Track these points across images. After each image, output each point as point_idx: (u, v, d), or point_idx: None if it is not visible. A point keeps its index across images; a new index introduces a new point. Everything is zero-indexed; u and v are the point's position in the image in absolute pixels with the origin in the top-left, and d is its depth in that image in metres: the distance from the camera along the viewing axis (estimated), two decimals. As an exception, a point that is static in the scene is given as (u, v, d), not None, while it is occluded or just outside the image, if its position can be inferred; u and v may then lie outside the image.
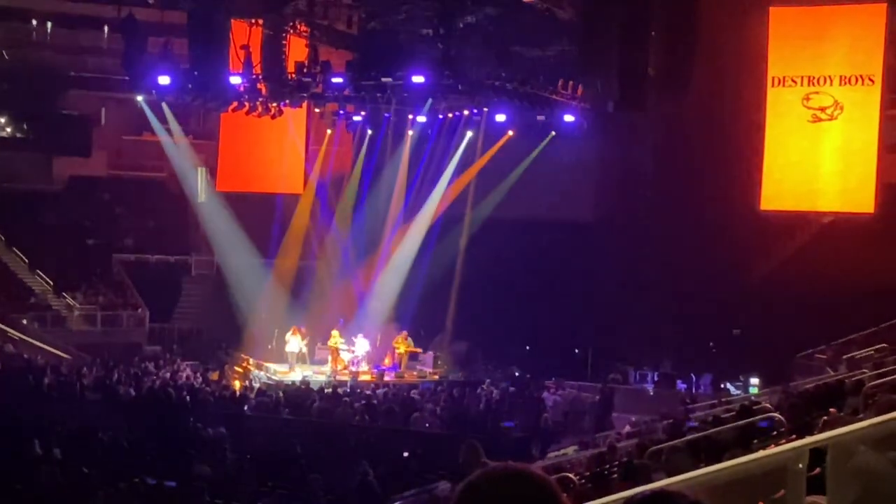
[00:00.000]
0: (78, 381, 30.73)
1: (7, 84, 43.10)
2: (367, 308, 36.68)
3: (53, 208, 42.05)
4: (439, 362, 34.25)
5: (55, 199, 42.96)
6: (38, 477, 19.31)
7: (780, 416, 11.80)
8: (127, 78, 30.79)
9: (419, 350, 33.83)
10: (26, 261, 40.73)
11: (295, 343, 33.36)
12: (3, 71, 43.04)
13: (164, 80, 29.40)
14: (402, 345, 33.27)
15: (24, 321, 37.66)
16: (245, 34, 29.05)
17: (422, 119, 34.23)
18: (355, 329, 34.29)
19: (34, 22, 44.23)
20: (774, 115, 33.27)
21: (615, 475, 11.35)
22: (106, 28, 42.59)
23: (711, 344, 32.95)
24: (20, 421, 24.65)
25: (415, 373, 33.13)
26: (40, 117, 43.37)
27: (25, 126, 44.58)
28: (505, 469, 2.93)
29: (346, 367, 32.46)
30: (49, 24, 44.42)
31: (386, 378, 32.02)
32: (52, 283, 40.40)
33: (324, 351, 34.17)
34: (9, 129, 44.87)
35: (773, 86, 33.15)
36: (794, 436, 9.29)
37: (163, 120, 38.95)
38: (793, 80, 32.90)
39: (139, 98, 35.64)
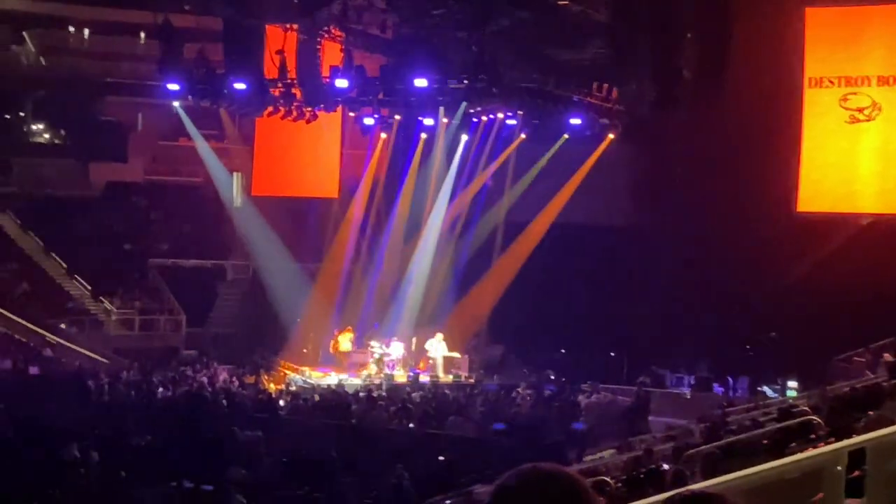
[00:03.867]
0: (116, 385, 30.99)
1: (44, 91, 43.56)
2: (402, 311, 36.71)
3: (90, 214, 42.40)
4: (474, 366, 34.24)
5: (92, 204, 43.31)
6: (75, 480, 19.47)
7: (818, 419, 11.68)
8: (163, 84, 30.98)
9: (456, 355, 33.79)
10: (64, 266, 41.08)
11: (347, 343, 33.75)
12: (41, 78, 43.47)
13: (199, 85, 29.60)
14: (440, 346, 33.24)
15: (63, 326, 37.98)
16: (280, 39, 29.17)
17: (456, 122, 34.26)
18: (390, 332, 34.37)
19: (71, 29, 44.66)
20: (811, 116, 32.97)
21: (648, 478, 11.29)
22: (142, 34, 42.94)
23: (748, 347, 32.70)
24: (58, 424, 24.87)
25: (450, 376, 33.12)
26: (77, 124, 43.78)
27: (63, 132, 45.02)
28: (537, 470, 2.94)
29: (381, 371, 32.53)
30: (86, 31, 44.83)
31: (421, 381, 32.03)
32: (89, 287, 40.73)
33: (361, 354, 34.29)
34: (46, 136, 45.32)
35: (809, 86, 32.85)
36: (832, 439, 9.20)
37: (198, 125, 39.19)
38: (830, 81, 32.60)
39: (175, 104, 35.87)
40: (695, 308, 32.52)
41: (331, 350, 34.59)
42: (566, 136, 33.65)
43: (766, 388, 29.76)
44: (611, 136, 32.86)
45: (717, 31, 28.04)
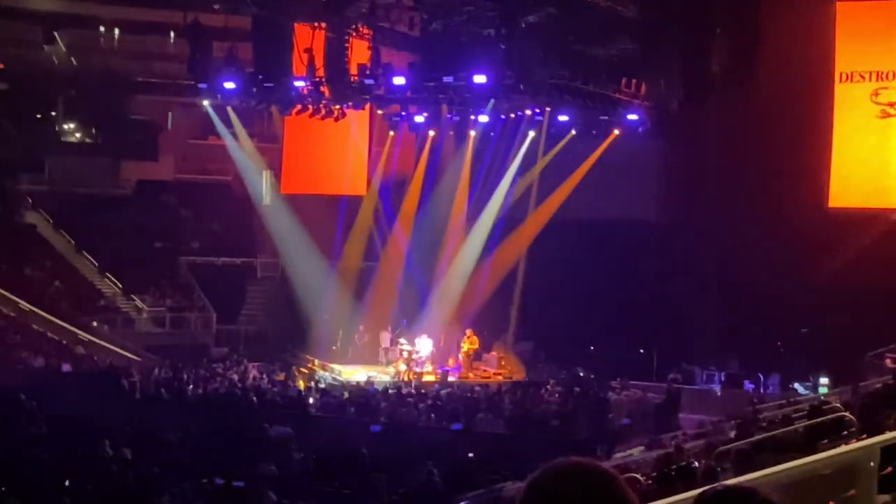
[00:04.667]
0: (148, 382, 31.21)
1: (75, 90, 43.86)
2: (430, 309, 36.74)
3: (122, 212, 42.67)
4: (503, 363, 34.23)
5: (123, 202, 43.60)
6: (108, 477, 19.60)
7: (850, 416, 11.62)
8: (193, 82, 31.13)
9: (475, 345, 33.91)
10: (96, 264, 41.36)
11: (385, 341, 34.05)
12: (72, 77, 43.80)
13: (229, 84, 29.74)
14: (467, 342, 33.33)
15: (94, 323, 38.24)
16: (308, 37, 29.26)
17: (484, 119, 34.18)
18: (418, 330, 34.43)
19: (102, 28, 44.95)
20: (842, 111, 32.74)
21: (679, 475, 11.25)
22: (172, 33, 43.13)
23: (779, 343, 32.52)
24: (90, 421, 25.05)
25: (479, 373, 33.16)
26: (108, 122, 44.10)
27: (94, 131, 45.33)
28: (570, 464, 2.95)
29: (409, 368, 32.60)
30: (116, 31, 45.11)
31: (450, 378, 32.07)
32: (120, 285, 41.00)
33: (392, 351, 34.41)
34: (78, 135, 45.64)
35: (840, 81, 32.62)
36: (864, 435, 9.16)
37: (228, 124, 39.35)
38: (861, 76, 32.37)
39: (205, 102, 36.01)
40: (725, 304, 32.38)
41: (357, 342, 35.05)
42: (594, 131, 33.56)
43: (797, 385, 29.58)
44: (639, 131, 32.74)
45: (746, 26, 27.94)
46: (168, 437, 24.01)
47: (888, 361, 21.88)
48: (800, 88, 32.66)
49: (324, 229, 39.20)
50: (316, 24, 29.58)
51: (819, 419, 12.32)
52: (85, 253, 41.55)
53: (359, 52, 29.62)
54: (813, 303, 31.42)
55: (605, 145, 34.58)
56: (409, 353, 32.89)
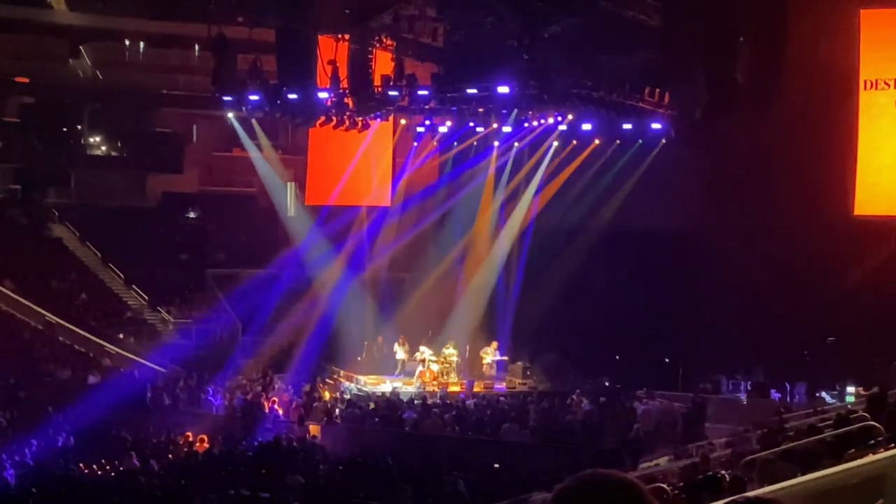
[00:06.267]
0: (174, 394, 31.35)
1: (101, 103, 44.18)
2: (455, 319, 36.72)
3: (147, 224, 42.87)
4: (529, 373, 34.17)
5: (149, 215, 43.83)
6: (135, 488, 19.70)
7: (877, 425, 11.55)
8: (217, 95, 31.28)
9: (506, 358, 33.84)
10: (122, 276, 41.57)
11: (402, 353, 34.02)
12: (97, 91, 44.13)
13: (253, 96, 29.86)
14: (489, 355, 33.33)
15: (121, 335, 38.41)
16: (332, 49, 29.36)
17: (507, 129, 34.22)
18: (444, 340, 34.42)
19: (127, 42, 45.26)
20: (867, 119, 32.60)
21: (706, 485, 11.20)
22: (196, 47, 43.37)
23: (806, 352, 32.34)
24: (118, 433, 25.19)
25: (504, 384, 33.12)
26: (134, 135, 44.40)
27: (119, 144, 45.62)
28: (597, 475, 2.95)
29: (435, 379, 32.59)
30: (141, 44, 45.41)
31: (475, 389, 32.05)
32: (146, 297, 41.17)
33: (414, 363, 34.43)
34: (104, 148, 45.94)
35: (865, 89, 32.49)
36: (892, 444, 9.11)
37: (252, 136, 39.51)
38: (885, 84, 32.24)
39: (229, 115, 36.17)
40: (751, 313, 32.22)
41: (375, 353, 35.15)
42: (618, 141, 33.54)
43: (824, 394, 29.40)
44: (663, 140, 32.69)
45: (770, 34, 27.82)
46: (195, 448, 24.15)
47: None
48: (824, 96, 32.55)
49: (349, 240, 39.30)
50: (339, 35, 29.67)
51: (846, 428, 12.25)
52: (111, 265, 41.74)
53: (382, 64, 29.70)
54: (839, 311, 31.25)
55: (629, 154, 34.52)
56: (433, 362, 32.91)
